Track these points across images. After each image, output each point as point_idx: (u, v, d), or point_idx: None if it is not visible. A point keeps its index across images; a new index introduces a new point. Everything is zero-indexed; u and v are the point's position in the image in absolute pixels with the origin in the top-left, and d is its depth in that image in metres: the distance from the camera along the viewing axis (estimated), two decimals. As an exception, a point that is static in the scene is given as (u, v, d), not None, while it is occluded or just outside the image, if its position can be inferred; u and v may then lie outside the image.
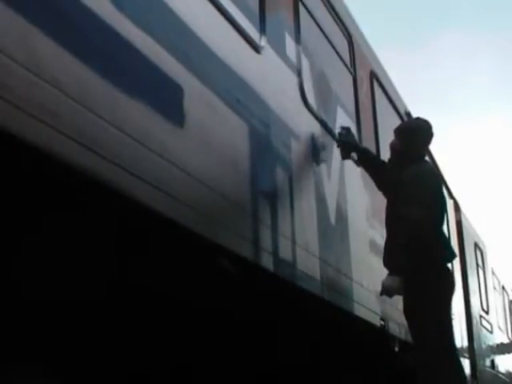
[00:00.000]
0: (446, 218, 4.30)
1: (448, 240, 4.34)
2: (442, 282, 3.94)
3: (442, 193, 4.30)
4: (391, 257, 4.01)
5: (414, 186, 3.95)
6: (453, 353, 3.94)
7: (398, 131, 4.29)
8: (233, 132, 3.12)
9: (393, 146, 4.28)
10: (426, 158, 4.78)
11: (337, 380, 4.57)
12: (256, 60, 3.43)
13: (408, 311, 3.99)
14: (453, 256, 4.20)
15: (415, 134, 4.20)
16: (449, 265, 4.15)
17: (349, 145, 4.43)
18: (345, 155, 4.44)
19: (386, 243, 4.15)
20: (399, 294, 3.93)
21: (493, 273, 11.14)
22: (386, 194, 4.38)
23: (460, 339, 7.52)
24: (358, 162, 4.60)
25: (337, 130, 4.46)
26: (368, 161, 4.53)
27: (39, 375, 2.39)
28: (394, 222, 4.07)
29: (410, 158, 4.11)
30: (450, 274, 4.06)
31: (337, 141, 4.42)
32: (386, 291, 3.91)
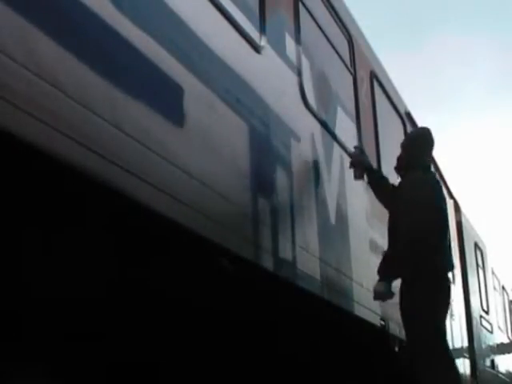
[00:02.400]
0: (447, 227, 4.24)
1: (450, 250, 4.32)
2: (439, 289, 3.99)
3: (442, 202, 4.22)
4: (381, 263, 4.15)
5: (411, 194, 4.03)
6: (448, 358, 3.97)
7: (402, 144, 4.41)
8: (232, 132, 3.12)
9: (398, 159, 4.39)
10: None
11: (337, 380, 4.57)
12: (256, 60, 3.43)
13: (404, 315, 4.06)
14: (451, 267, 4.23)
15: (415, 143, 4.31)
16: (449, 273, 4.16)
17: (362, 165, 4.48)
18: (358, 175, 4.48)
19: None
20: (389, 298, 4.13)
21: (493, 273, 11.14)
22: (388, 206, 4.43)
23: (460, 339, 7.52)
24: (369, 182, 4.62)
25: (352, 149, 4.50)
26: (379, 183, 4.56)
27: (39, 375, 2.39)
28: (391, 230, 4.14)
29: (412, 167, 4.18)
30: (447, 282, 4.08)
31: (350, 162, 4.46)
32: (376, 296, 4.15)
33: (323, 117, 4.33)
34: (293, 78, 3.91)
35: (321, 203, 4.12)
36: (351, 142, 4.81)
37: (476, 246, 9.75)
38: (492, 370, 9.75)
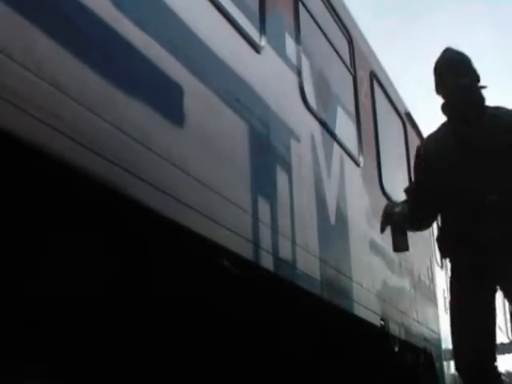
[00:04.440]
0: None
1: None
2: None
3: None
4: None
5: None
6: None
7: None
8: (232, 132, 3.12)
9: None
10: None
11: (337, 380, 4.57)
12: (256, 60, 3.43)
13: None
14: None
15: None
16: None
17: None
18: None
19: None
20: None
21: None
22: None
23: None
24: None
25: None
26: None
27: (39, 375, 2.40)
28: None
29: None
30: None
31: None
32: None
33: (323, 117, 4.33)
34: (293, 78, 3.91)
35: (320, 203, 4.12)
36: (351, 142, 4.81)
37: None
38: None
